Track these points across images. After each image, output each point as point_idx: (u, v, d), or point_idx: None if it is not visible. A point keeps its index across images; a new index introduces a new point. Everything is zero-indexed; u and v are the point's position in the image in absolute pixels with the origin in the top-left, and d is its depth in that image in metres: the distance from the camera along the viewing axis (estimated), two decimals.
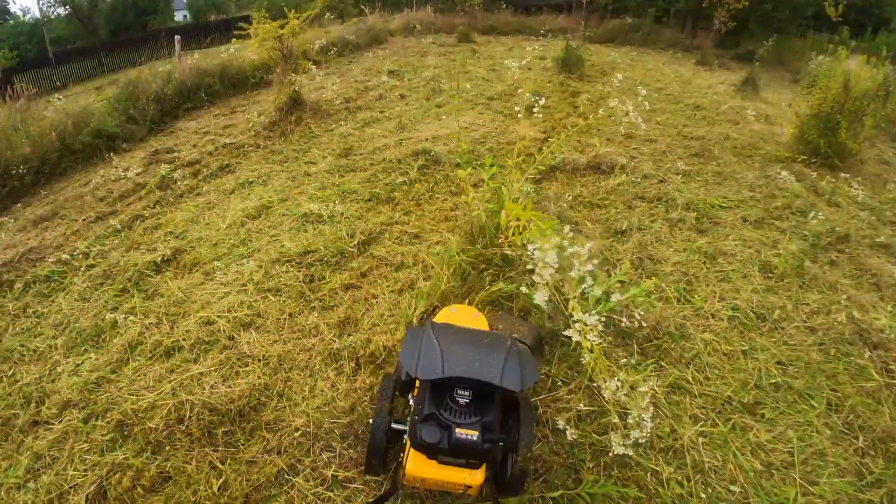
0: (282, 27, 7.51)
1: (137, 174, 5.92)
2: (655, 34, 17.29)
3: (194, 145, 6.73)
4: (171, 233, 4.59)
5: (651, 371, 2.94)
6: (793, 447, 2.56)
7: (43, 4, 32.10)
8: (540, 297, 2.42)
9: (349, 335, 3.18)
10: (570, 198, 4.81)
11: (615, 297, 2.79)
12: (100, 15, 32.78)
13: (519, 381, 1.85)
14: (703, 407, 2.80)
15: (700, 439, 2.61)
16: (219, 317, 3.36)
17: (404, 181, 5.15)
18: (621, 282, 3.33)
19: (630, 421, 2.27)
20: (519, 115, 4.12)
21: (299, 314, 3.39)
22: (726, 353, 3.16)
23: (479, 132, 6.69)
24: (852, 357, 3.16)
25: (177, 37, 10.54)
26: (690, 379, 2.95)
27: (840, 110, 6.16)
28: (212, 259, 4.05)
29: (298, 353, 3.07)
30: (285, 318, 3.36)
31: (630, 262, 3.75)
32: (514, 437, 1.98)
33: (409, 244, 4.09)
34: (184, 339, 3.22)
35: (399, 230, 4.25)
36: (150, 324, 3.41)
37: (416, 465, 1.92)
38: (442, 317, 2.53)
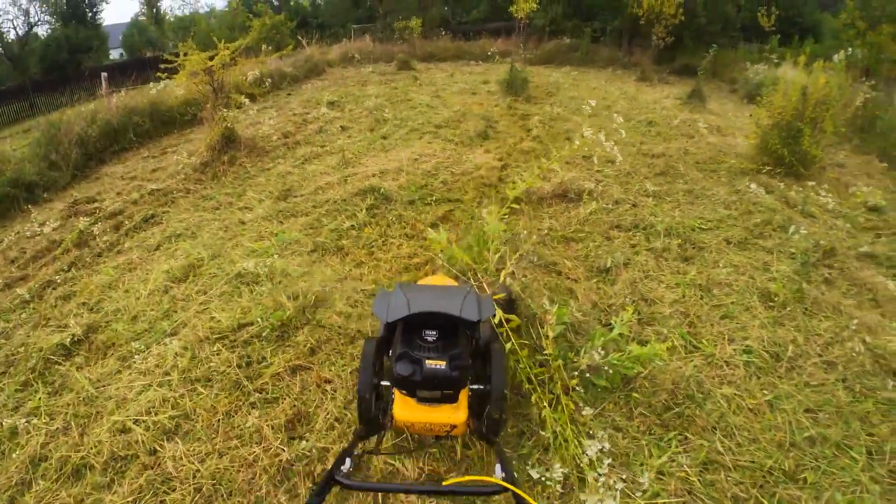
0: (211, 58, 6.83)
1: (54, 229, 5.09)
2: (594, 53, 17.47)
3: (118, 193, 5.91)
4: (84, 304, 3.79)
5: (677, 446, 2.43)
6: None
7: None
8: None
9: (301, 439, 2.50)
10: (541, 232, 4.31)
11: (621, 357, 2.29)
12: (31, 54, 30.95)
13: (477, 313, 2.03)
14: (741, 483, 2.33)
15: None
16: (136, 422, 2.62)
17: (352, 225, 4.51)
18: (620, 334, 2.81)
19: None
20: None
21: (236, 412, 2.69)
22: (752, 409, 2.73)
23: (430, 163, 6.16)
24: (878, 391, 2.88)
25: (103, 74, 9.59)
26: (721, 448, 2.48)
27: (800, 118, 5.98)
28: (129, 338, 3.29)
29: (238, 470, 2.36)
30: (218, 420, 2.62)
31: (625, 307, 3.25)
32: (488, 386, 2.19)
33: (364, 306, 3.44)
34: (95, 455, 2.47)
35: (351, 288, 3.58)
36: (55, 430, 2.66)
37: (403, 410, 2.08)
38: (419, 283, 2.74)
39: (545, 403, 2.43)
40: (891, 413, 2.73)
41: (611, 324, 2.99)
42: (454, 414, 2.08)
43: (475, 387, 2.25)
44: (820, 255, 4.25)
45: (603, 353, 2.63)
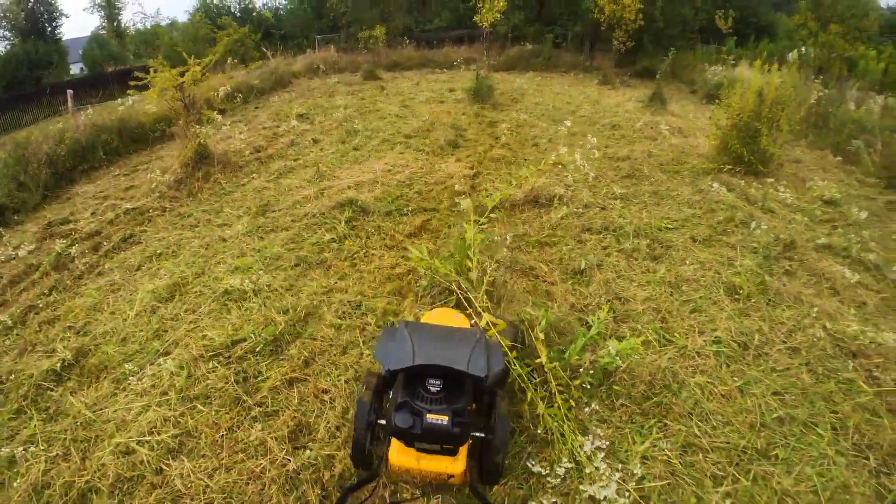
0: (182, 75, 6.80)
1: (30, 252, 5.00)
2: (556, 58, 17.82)
3: (93, 213, 5.83)
4: (70, 327, 3.74)
5: (657, 432, 2.59)
6: (815, 485, 2.40)
7: None
8: None
9: (305, 448, 2.56)
10: (514, 237, 4.45)
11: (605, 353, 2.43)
12: None
13: (485, 368, 1.98)
14: (718, 462, 2.52)
15: (727, 501, 2.33)
16: (139, 443, 2.64)
17: (333, 238, 4.58)
18: (599, 332, 2.96)
19: None
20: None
21: (238, 427, 2.73)
22: (724, 395, 2.93)
23: (403, 173, 6.26)
24: (839, 372, 3.11)
25: (69, 91, 9.38)
26: (698, 432, 2.66)
27: (757, 118, 6.27)
28: (122, 360, 3.28)
29: (247, 483, 2.42)
30: (222, 435, 2.67)
31: (601, 306, 3.41)
32: (491, 434, 2.13)
33: (352, 317, 3.53)
34: (100, 478, 2.48)
35: (338, 300, 3.66)
36: (55, 456, 2.65)
37: (399, 456, 2.05)
38: (424, 319, 2.69)
39: (539, 401, 2.55)
40: (851, 392, 2.94)
41: (588, 322, 3.14)
42: (452, 464, 2.04)
43: (476, 434, 2.15)
44: (781, 248, 4.51)
45: (591, 352, 2.78)
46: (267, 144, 7.95)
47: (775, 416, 2.79)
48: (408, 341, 2.05)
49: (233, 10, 28.30)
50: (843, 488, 2.40)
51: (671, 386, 2.87)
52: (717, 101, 7.11)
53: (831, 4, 10.76)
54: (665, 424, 2.68)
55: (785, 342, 3.37)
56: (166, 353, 3.27)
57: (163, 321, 3.61)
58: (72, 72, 35.03)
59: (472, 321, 2.90)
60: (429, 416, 1.91)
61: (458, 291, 3.27)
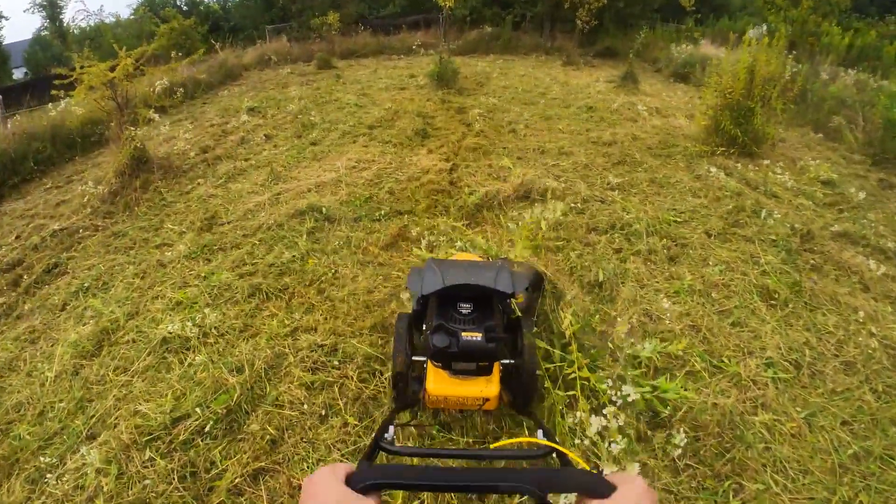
0: (112, 69, 5.86)
1: None
2: (516, 40, 17.26)
3: (18, 237, 4.88)
4: None
5: (733, 497, 2.05)
6: None
7: None
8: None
9: None
10: (509, 244, 3.80)
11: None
12: None
13: (511, 286, 2.04)
14: None
15: None
16: None
17: (293, 257, 3.79)
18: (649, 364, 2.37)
19: None
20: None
21: None
22: (793, 434, 2.41)
23: (370, 170, 5.52)
24: None
25: None
26: (777, 489, 2.13)
27: (749, 97, 5.81)
28: (38, 445, 2.46)
29: None
30: None
31: (629, 324, 2.81)
32: (519, 360, 2.20)
33: (326, 369, 2.72)
34: None
35: (306, 344, 2.83)
36: None
37: (436, 384, 2.04)
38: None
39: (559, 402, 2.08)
40: None
41: (624, 353, 2.55)
42: (487, 387, 2.04)
43: (505, 361, 2.24)
44: (799, 239, 4.11)
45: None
46: (214, 144, 7.08)
47: (850, 452, 2.35)
48: (437, 271, 2.08)
49: (178, 2, 26.58)
50: None
51: (744, 436, 2.29)
52: (705, 80, 6.65)
53: None
54: (741, 486, 2.11)
55: (837, 355, 2.96)
56: (92, 437, 2.44)
57: (87, 386, 2.77)
58: (14, 76, 32.70)
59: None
60: (463, 333, 1.92)
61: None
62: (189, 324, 2.95)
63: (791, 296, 3.35)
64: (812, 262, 3.82)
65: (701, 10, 17.65)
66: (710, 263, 3.62)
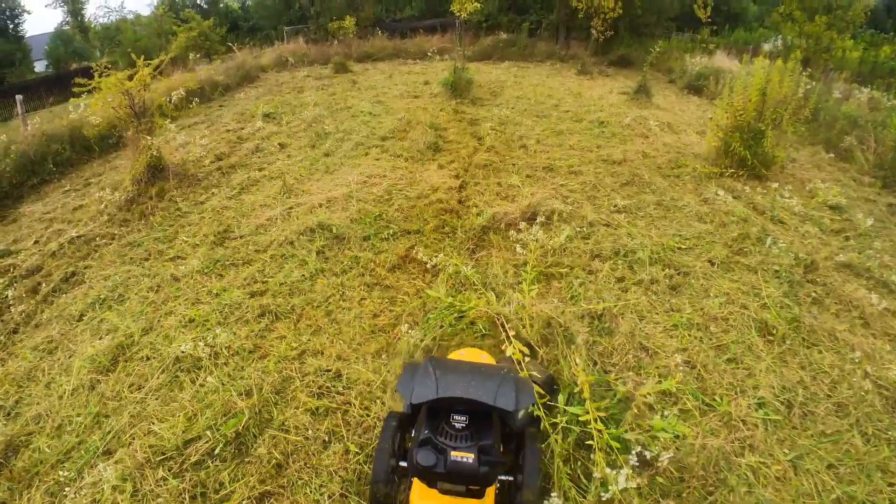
0: (130, 78, 6.00)
1: None
2: (531, 47, 17.27)
3: (37, 241, 5.03)
4: (0, 406, 3.05)
5: None
6: None
7: None
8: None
9: None
10: (514, 272, 3.87)
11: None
12: None
13: (514, 402, 1.85)
14: None
15: None
16: None
17: (302, 276, 3.90)
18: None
19: None
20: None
21: None
22: (778, 477, 2.48)
23: (381, 185, 5.62)
24: (889, 431, 2.79)
25: (18, 97, 8.38)
26: None
27: (759, 118, 5.84)
28: (57, 459, 2.60)
29: None
30: None
31: (623, 358, 2.89)
32: (521, 475, 1.97)
33: (331, 394, 2.83)
34: None
35: (313, 368, 2.96)
36: None
37: (422, 499, 1.89)
38: (450, 356, 2.50)
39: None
40: None
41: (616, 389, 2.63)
42: None
43: (504, 477, 2.03)
44: (802, 269, 4.14)
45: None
46: (230, 151, 7.21)
47: (833, 496, 2.41)
48: (431, 375, 1.93)
49: (199, 1, 26.84)
50: None
51: (727, 480, 2.36)
52: (705, 92, 6.66)
53: None
54: None
55: (830, 395, 3.01)
56: (108, 453, 2.57)
57: (104, 401, 2.89)
58: (36, 70, 33.24)
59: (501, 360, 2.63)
60: (453, 453, 1.77)
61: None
62: (201, 343, 3.07)
63: (789, 331, 3.40)
64: (814, 294, 3.86)
65: (716, 21, 17.56)
66: (712, 295, 3.68)
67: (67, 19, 38.32)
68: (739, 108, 5.86)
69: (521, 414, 1.90)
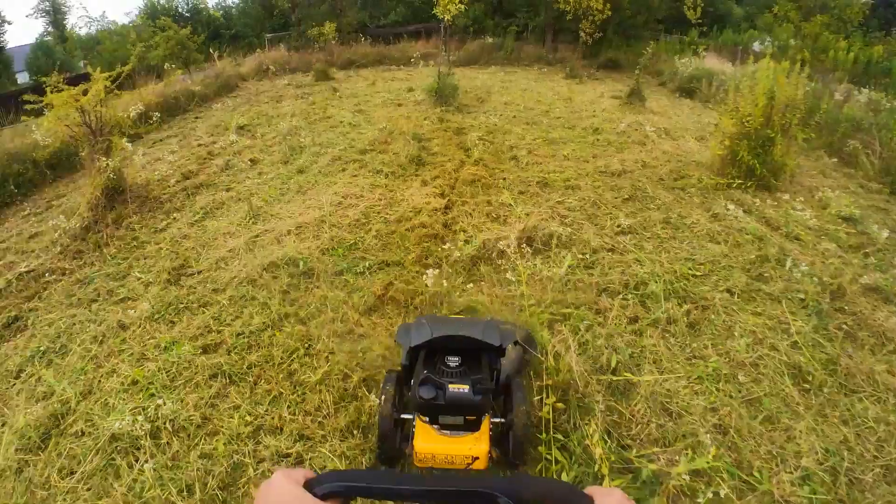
0: (85, 93, 5.45)
1: None
2: (518, 51, 16.92)
3: None
4: None
5: None
6: None
7: None
8: None
9: None
10: (515, 308, 3.37)
11: None
12: None
13: (498, 339, 2.08)
14: None
15: None
16: None
17: (263, 324, 3.35)
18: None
19: None
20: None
21: None
22: None
23: (358, 208, 5.11)
24: None
25: None
26: None
27: (767, 124, 5.41)
28: None
29: None
30: None
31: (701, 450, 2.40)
32: (511, 415, 2.18)
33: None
34: None
35: (270, 451, 2.41)
36: None
37: (424, 441, 2.03)
38: None
39: None
40: None
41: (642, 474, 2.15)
42: (476, 445, 2.02)
43: (496, 419, 2.26)
44: (829, 297, 3.70)
45: None
46: (198, 168, 6.70)
47: None
48: (425, 325, 2.11)
49: (180, 10, 26.20)
50: None
51: None
52: (698, 94, 6.24)
53: None
54: None
55: (876, 456, 2.54)
56: None
57: (31, 489, 2.35)
58: (18, 81, 32.37)
59: None
60: (451, 386, 1.94)
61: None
62: (140, 417, 2.53)
63: (825, 377, 2.95)
64: (845, 326, 3.42)
65: (703, 22, 17.29)
66: (736, 334, 3.21)
67: (48, 29, 37.50)
68: (746, 114, 5.43)
69: (507, 348, 2.16)
